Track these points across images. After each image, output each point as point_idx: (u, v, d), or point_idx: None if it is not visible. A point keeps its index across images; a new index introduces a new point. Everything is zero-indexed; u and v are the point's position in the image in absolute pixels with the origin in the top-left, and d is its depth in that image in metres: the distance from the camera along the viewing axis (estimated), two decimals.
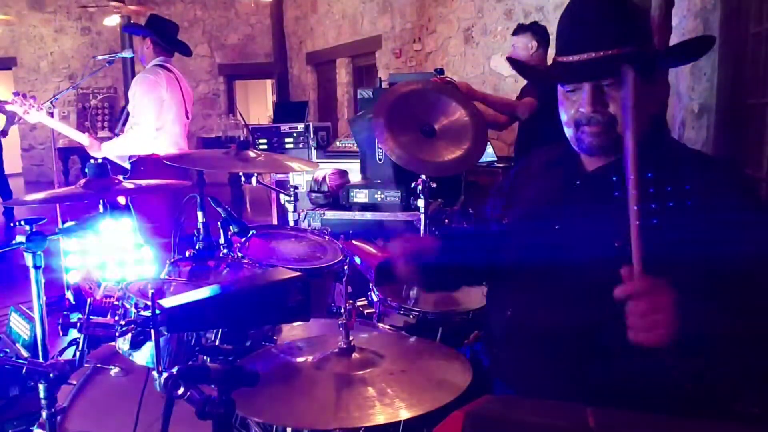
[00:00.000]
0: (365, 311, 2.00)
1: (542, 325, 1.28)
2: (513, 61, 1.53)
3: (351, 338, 1.21)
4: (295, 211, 2.85)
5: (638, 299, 1.01)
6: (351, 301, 1.35)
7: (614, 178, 1.27)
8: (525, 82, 3.65)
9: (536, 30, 3.63)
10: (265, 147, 4.66)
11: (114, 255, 3.34)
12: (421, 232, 2.59)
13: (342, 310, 1.27)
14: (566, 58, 1.28)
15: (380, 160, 3.18)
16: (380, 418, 1.02)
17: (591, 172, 1.34)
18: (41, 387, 1.34)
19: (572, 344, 1.23)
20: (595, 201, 1.30)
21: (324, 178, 3.25)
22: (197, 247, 2.08)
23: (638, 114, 1.20)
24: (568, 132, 1.33)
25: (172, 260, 2.01)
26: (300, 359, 1.24)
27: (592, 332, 1.20)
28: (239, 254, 2.03)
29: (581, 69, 1.25)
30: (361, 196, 3.16)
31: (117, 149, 3.44)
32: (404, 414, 1.03)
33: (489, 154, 4.71)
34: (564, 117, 1.33)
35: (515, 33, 3.70)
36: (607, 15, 1.24)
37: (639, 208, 1.03)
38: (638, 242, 1.02)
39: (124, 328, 1.19)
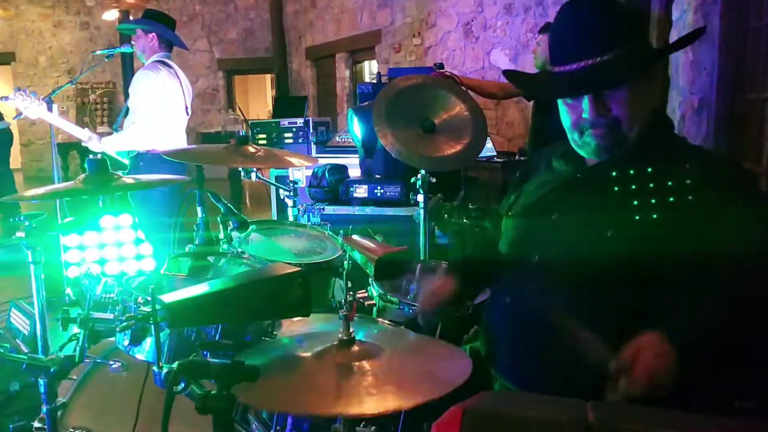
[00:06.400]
0: (365, 303, 1.99)
1: (538, 312, 1.28)
2: (510, 74, 1.54)
3: (351, 330, 1.21)
4: (294, 206, 2.85)
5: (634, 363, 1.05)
6: (351, 293, 1.35)
7: (614, 174, 1.27)
8: None
9: None
10: (264, 142, 4.66)
11: (114, 250, 3.34)
12: (421, 227, 2.58)
13: (342, 303, 1.27)
14: (562, 67, 1.28)
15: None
16: (379, 405, 1.02)
17: (592, 165, 1.35)
18: (41, 382, 1.35)
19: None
20: (593, 193, 1.31)
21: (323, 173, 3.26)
22: (196, 243, 2.08)
23: (639, 110, 1.24)
24: (573, 136, 1.33)
25: (172, 255, 2.01)
26: (300, 351, 1.25)
27: (586, 320, 1.21)
28: (239, 249, 2.03)
29: (580, 79, 1.25)
30: (360, 191, 3.16)
31: (117, 144, 3.44)
32: (403, 403, 1.04)
33: (489, 149, 4.71)
34: (567, 122, 1.33)
35: (541, 31, 3.69)
36: (596, 20, 1.25)
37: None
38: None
39: (124, 324, 1.19)
